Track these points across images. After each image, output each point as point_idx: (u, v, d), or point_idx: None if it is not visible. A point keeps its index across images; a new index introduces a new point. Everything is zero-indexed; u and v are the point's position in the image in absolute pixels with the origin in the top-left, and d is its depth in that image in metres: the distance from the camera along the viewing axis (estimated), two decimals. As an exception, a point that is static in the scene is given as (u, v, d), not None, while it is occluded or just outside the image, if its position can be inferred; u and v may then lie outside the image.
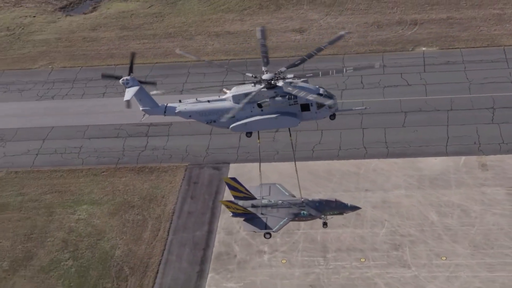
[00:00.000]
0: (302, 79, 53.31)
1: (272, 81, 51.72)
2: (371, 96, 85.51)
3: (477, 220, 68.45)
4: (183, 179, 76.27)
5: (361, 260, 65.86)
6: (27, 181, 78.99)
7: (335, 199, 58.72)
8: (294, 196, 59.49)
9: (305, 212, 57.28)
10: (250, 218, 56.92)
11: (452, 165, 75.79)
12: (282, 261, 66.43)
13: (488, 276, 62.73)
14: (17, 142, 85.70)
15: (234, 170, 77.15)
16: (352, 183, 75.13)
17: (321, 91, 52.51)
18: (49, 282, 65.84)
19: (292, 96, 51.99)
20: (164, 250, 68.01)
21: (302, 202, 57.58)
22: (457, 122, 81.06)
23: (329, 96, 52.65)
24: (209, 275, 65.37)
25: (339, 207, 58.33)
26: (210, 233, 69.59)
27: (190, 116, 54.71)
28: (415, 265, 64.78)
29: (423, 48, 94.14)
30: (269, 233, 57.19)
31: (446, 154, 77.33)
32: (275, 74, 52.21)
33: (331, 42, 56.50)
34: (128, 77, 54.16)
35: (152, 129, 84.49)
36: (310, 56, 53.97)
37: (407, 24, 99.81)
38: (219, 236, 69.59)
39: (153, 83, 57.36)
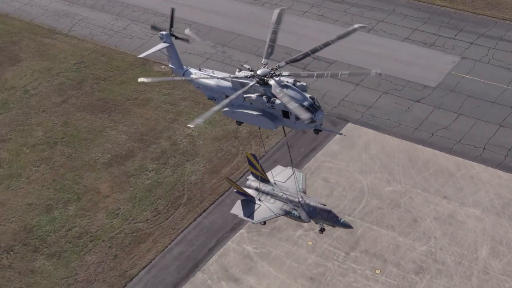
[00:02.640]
0: (297, 81, 50.20)
1: (265, 78, 49.25)
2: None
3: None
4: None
5: (376, 271, 64.16)
6: (183, 83, 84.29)
7: (330, 210, 54.47)
8: (304, 192, 56.57)
9: (296, 213, 54.91)
10: (246, 200, 56.35)
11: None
12: (309, 243, 67.11)
13: None
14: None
15: (347, 131, 77.30)
16: (439, 183, 70.33)
17: (305, 103, 48.49)
18: (123, 186, 74.77)
19: (272, 100, 49.61)
20: (227, 191, 72.29)
21: (299, 201, 54.73)
22: None
23: (312, 110, 48.61)
24: (240, 231, 68.88)
25: (330, 220, 54.48)
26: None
27: (198, 87, 55.63)
28: (419, 299, 61.80)
29: None
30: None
31: None
32: (271, 70, 49.88)
33: (341, 37, 52.05)
34: (164, 32, 56.45)
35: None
36: (315, 50, 50.92)
37: None
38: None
39: (185, 40, 57.48)
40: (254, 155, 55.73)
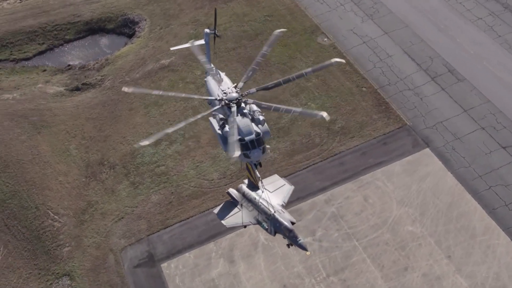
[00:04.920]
0: (260, 112, 53.77)
1: (231, 103, 53.26)
2: None
3: None
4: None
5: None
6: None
7: (291, 230, 57.14)
8: (284, 205, 59.86)
9: (265, 225, 58.66)
10: (230, 203, 61.41)
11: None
12: (307, 253, 71.81)
13: None
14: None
15: (420, 155, 77.73)
16: (455, 241, 69.69)
17: (247, 137, 51.87)
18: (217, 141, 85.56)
19: (221, 126, 53.93)
20: (291, 173, 77.62)
21: (271, 215, 58.00)
22: None
23: (248, 147, 51.99)
24: None
25: (290, 238, 57.50)
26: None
27: (206, 87, 60.58)
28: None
29: None
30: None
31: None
32: (240, 95, 53.45)
33: (316, 70, 56.09)
34: (207, 30, 63.63)
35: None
36: (287, 80, 54.52)
37: None
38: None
39: (218, 36, 64.39)
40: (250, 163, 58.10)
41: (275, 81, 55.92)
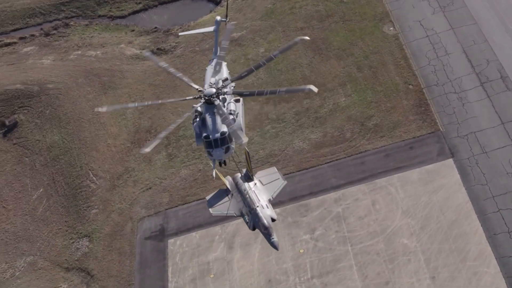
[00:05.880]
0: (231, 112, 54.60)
1: (211, 98, 53.30)
2: None
3: None
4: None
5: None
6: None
7: (268, 227, 58.41)
8: (271, 200, 60.36)
9: (246, 218, 60.05)
10: (223, 191, 62.53)
11: None
12: (300, 250, 72.27)
13: None
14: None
15: (440, 166, 74.20)
16: (444, 262, 67.01)
17: (211, 136, 52.69)
18: (264, 122, 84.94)
19: (193, 119, 54.91)
20: (314, 166, 78.82)
21: (253, 209, 59.00)
22: None
23: (211, 145, 52.91)
24: (287, 206, 75.71)
25: (265, 235, 59.35)
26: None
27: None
28: None
29: None
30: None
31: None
32: (217, 89, 54.01)
33: (283, 50, 56.36)
34: (218, 18, 63.96)
35: None
36: (258, 66, 55.49)
37: None
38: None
39: (225, 20, 64.38)
40: (248, 153, 62.04)
41: (247, 68, 56.49)
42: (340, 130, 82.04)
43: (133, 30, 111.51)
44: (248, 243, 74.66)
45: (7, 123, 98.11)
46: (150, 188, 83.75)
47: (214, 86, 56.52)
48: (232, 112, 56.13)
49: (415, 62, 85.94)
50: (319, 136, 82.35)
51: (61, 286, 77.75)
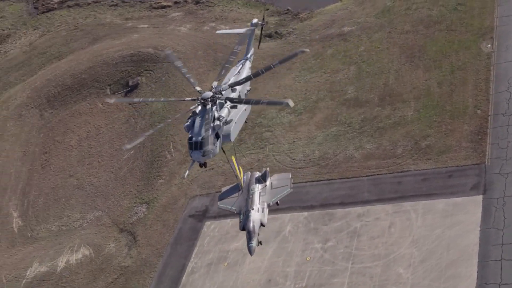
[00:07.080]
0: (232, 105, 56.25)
1: (207, 101, 54.54)
2: None
3: None
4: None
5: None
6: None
7: (250, 231, 59.41)
8: (270, 205, 62.01)
9: (241, 218, 61.17)
10: (236, 187, 64.21)
11: None
12: (307, 258, 73.06)
13: None
14: None
15: (473, 200, 70.43)
16: (429, 301, 64.59)
17: (194, 138, 53.94)
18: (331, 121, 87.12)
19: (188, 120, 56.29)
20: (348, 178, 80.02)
21: (247, 210, 60.60)
22: None
23: (191, 147, 54.29)
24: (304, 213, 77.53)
25: (247, 238, 60.07)
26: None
27: None
28: None
29: None
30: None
31: None
32: (214, 93, 55.01)
33: (283, 61, 57.30)
34: (254, 21, 63.83)
35: None
36: (257, 74, 56.72)
37: None
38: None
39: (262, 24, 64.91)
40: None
41: (246, 76, 58.34)
42: (394, 144, 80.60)
43: (267, 10, 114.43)
44: (268, 240, 76.92)
45: (130, 83, 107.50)
46: (212, 169, 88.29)
47: (214, 89, 59.13)
48: (220, 118, 58.45)
49: (495, 85, 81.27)
50: (372, 147, 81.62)
51: (109, 244, 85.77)
